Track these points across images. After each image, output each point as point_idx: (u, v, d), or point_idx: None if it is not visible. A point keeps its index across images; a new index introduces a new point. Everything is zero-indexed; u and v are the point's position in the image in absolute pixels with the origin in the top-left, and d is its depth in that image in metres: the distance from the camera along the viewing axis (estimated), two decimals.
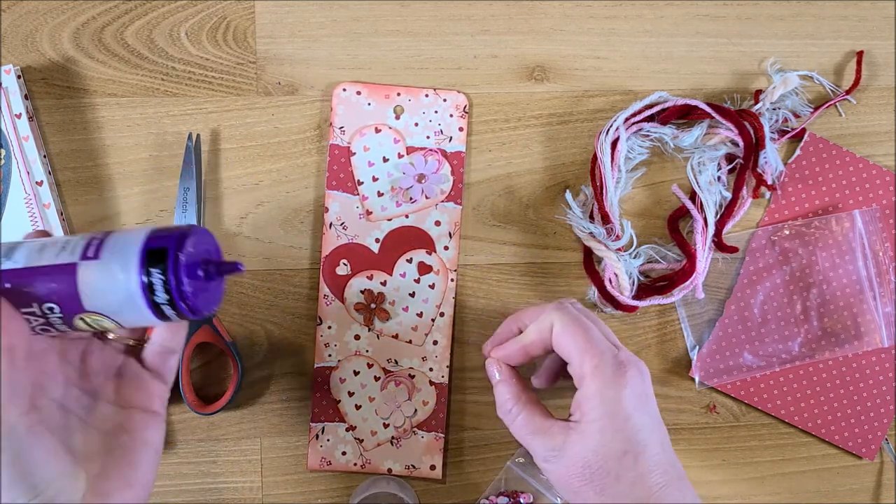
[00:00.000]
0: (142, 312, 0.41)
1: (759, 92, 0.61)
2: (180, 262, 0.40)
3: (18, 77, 0.58)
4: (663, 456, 0.48)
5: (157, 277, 0.40)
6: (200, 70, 0.60)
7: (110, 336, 0.46)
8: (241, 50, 0.60)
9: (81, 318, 0.41)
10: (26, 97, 0.59)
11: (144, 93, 0.60)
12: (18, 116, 0.57)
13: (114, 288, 0.40)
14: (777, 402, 0.61)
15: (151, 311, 0.40)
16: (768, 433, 0.62)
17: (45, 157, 0.59)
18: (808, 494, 0.62)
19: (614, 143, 0.59)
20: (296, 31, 0.61)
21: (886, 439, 0.62)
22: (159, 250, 0.40)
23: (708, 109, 0.59)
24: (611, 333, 0.51)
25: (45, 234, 0.45)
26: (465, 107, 0.60)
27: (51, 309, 0.41)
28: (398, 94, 0.60)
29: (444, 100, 0.60)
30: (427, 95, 0.60)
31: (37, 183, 0.57)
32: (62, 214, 0.59)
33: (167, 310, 0.40)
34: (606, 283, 0.59)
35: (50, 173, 0.59)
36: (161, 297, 0.40)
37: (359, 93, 0.60)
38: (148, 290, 0.40)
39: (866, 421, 0.61)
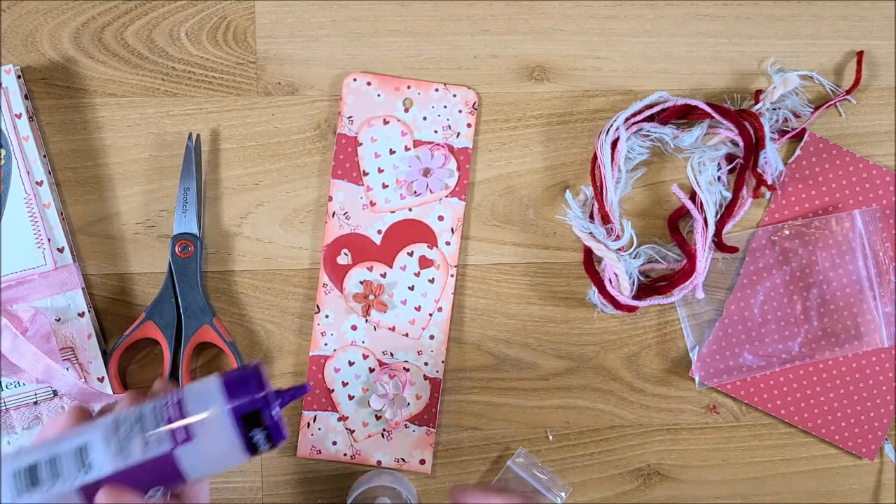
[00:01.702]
0: (239, 461, 0.42)
1: (759, 92, 0.61)
2: (273, 414, 0.41)
3: (18, 77, 0.58)
4: None
5: (258, 436, 0.41)
6: (200, 70, 0.60)
7: None
8: (241, 50, 0.60)
9: None
10: (26, 97, 0.59)
11: (144, 93, 0.60)
12: (18, 116, 0.57)
13: (216, 458, 0.42)
14: (777, 402, 0.61)
15: (249, 457, 0.42)
16: (768, 433, 0.62)
17: (45, 157, 0.59)
18: (808, 494, 0.62)
19: (614, 143, 0.59)
20: (296, 31, 0.61)
21: (886, 439, 0.62)
22: (252, 413, 0.41)
23: (708, 109, 0.59)
24: None
25: (85, 412, 0.44)
26: (473, 103, 0.60)
27: (155, 491, 0.41)
28: (408, 87, 0.60)
29: (454, 95, 0.60)
30: (437, 90, 0.60)
31: (37, 183, 0.57)
32: (62, 214, 0.59)
33: (262, 450, 0.42)
34: (606, 283, 0.59)
35: (50, 173, 0.59)
36: (263, 447, 0.42)
37: (369, 83, 0.60)
38: (250, 447, 0.42)
39: (866, 421, 0.61)
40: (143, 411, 0.41)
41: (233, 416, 0.41)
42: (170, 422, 0.41)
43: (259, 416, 0.41)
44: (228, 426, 0.41)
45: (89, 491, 0.40)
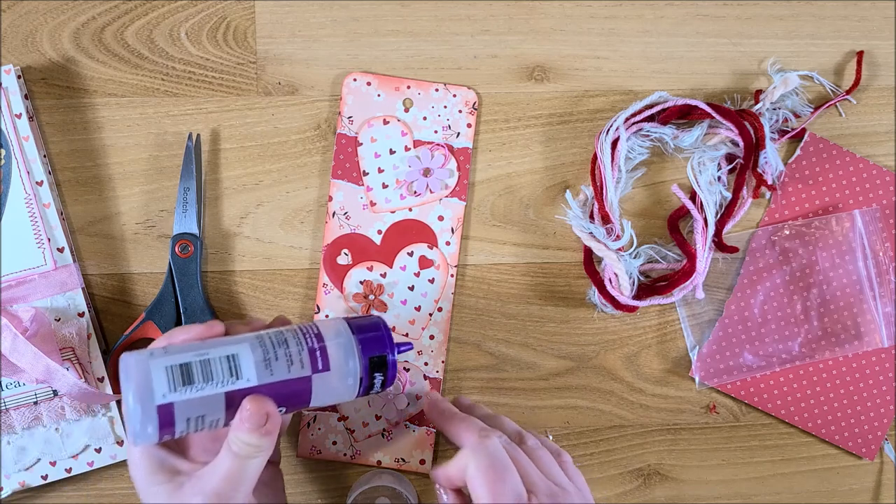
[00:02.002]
0: (349, 398, 0.48)
1: (759, 92, 0.61)
2: (394, 363, 0.47)
3: (18, 77, 0.58)
4: None
5: (378, 379, 0.47)
6: (200, 70, 0.60)
7: None
8: (241, 50, 0.60)
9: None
10: (26, 97, 0.59)
11: (144, 93, 0.60)
12: (18, 116, 0.57)
13: (339, 390, 0.47)
14: (777, 402, 0.61)
15: (358, 396, 0.48)
16: (768, 433, 0.62)
17: (45, 157, 0.59)
18: (808, 494, 0.62)
19: (614, 143, 0.59)
20: (296, 31, 0.61)
21: (886, 439, 0.62)
22: (379, 357, 0.47)
23: (708, 109, 0.59)
24: (536, 475, 0.47)
25: (218, 327, 0.48)
26: (474, 103, 0.60)
27: (282, 409, 0.46)
28: (408, 87, 0.60)
29: (454, 95, 0.60)
30: (437, 90, 0.60)
31: (37, 183, 0.57)
32: (62, 214, 0.59)
33: (373, 391, 0.48)
34: (606, 283, 0.59)
35: (50, 173, 0.59)
36: (376, 389, 0.48)
37: (369, 83, 0.60)
38: (368, 387, 0.47)
39: (866, 421, 0.61)
40: (286, 335, 0.45)
41: (365, 358, 0.46)
42: (311, 350, 0.45)
43: (383, 361, 0.47)
44: (360, 366, 0.46)
45: (232, 398, 0.43)
